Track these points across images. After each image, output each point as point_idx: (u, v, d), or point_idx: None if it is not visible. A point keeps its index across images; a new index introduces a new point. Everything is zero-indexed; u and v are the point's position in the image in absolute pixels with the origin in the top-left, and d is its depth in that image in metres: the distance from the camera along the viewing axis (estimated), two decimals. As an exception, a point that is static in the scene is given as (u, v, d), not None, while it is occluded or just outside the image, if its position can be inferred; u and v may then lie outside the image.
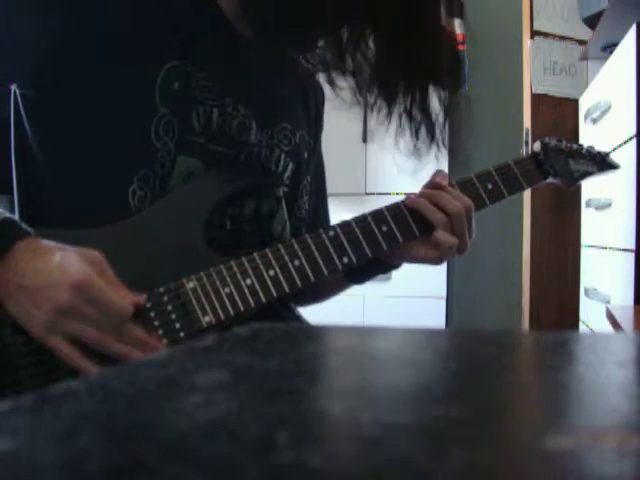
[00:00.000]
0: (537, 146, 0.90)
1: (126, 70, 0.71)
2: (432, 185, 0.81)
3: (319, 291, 0.94)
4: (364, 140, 2.73)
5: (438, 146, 0.80)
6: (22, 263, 0.60)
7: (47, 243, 0.63)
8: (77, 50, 0.69)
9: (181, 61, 0.73)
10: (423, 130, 0.79)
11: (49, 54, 0.69)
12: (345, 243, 0.75)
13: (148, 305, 0.67)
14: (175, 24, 0.75)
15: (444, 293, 2.68)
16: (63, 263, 0.61)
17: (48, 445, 0.18)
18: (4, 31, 0.70)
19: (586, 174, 0.94)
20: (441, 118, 0.80)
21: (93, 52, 0.70)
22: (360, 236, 0.76)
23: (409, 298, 2.54)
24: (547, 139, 0.91)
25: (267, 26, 0.74)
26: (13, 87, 0.71)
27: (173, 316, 0.68)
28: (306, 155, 0.89)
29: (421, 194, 0.81)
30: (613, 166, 0.98)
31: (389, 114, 0.78)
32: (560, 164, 0.90)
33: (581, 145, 0.96)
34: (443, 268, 2.65)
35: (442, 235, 0.78)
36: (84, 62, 0.70)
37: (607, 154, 0.98)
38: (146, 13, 0.73)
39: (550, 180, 0.91)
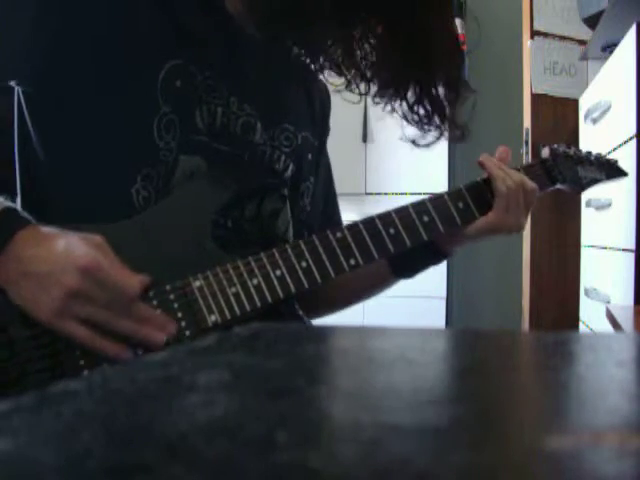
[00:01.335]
0: (546, 152, 0.91)
1: (127, 69, 0.71)
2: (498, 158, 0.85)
3: (356, 291, 0.94)
4: (364, 140, 2.73)
5: (441, 132, 0.81)
6: (25, 251, 0.61)
7: (48, 229, 0.63)
8: (78, 49, 0.69)
9: (183, 60, 0.73)
10: (426, 120, 0.80)
11: (50, 52, 0.69)
12: (352, 245, 0.75)
13: (154, 303, 0.68)
14: (178, 22, 0.74)
15: (444, 293, 2.68)
16: (68, 247, 0.61)
17: (48, 445, 0.18)
18: (4, 29, 0.70)
19: (594, 181, 0.95)
20: (444, 106, 0.81)
21: (94, 51, 0.70)
22: (367, 238, 0.75)
23: (409, 298, 2.54)
24: (556, 145, 0.92)
25: (272, 24, 0.74)
26: (15, 86, 0.71)
27: (179, 314, 0.68)
28: (310, 156, 0.89)
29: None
30: (622, 173, 0.98)
31: (393, 107, 0.78)
32: (568, 171, 0.91)
33: (589, 152, 0.96)
34: (443, 268, 2.65)
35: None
36: (85, 61, 0.70)
37: (615, 161, 0.98)
38: (148, 12, 0.73)
39: (558, 186, 0.91)
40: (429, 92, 0.78)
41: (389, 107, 0.79)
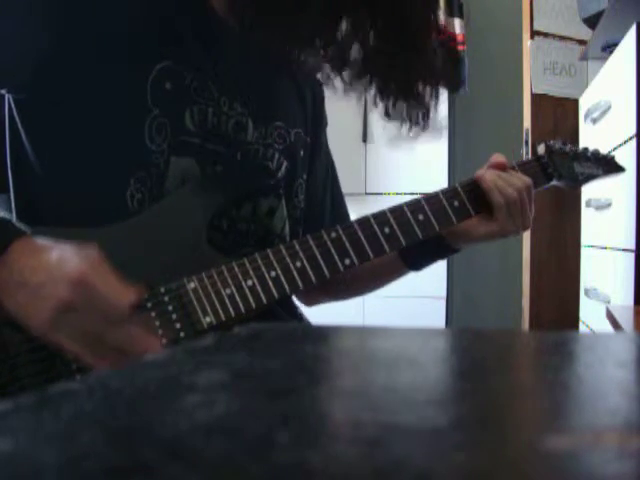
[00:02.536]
0: (541, 149, 0.90)
1: (117, 72, 0.71)
2: (493, 166, 0.85)
3: (367, 278, 0.96)
4: (364, 140, 2.73)
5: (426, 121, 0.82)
6: (19, 261, 0.60)
7: (43, 241, 0.62)
8: (67, 53, 0.69)
9: (173, 61, 0.73)
10: (418, 113, 0.80)
11: (39, 58, 0.69)
12: (347, 244, 0.75)
13: (149, 305, 0.67)
14: (166, 24, 0.74)
15: (444, 293, 2.68)
16: (61, 260, 0.60)
17: (48, 445, 0.18)
18: None
19: (591, 177, 0.94)
20: (436, 102, 0.81)
21: (83, 54, 0.69)
22: (362, 238, 0.75)
23: (409, 298, 2.54)
24: (551, 142, 0.91)
25: (258, 22, 0.73)
26: (5, 93, 0.71)
27: (174, 316, 0.68)
28: (302, 153, 0.89)
29: (486, 176, 0.83)
30: (619, 169, 0.98)
31: (384, 101, 0.78)
32: (564, 167, 0.90)
33: (586, 148, 0.95)
34: (443, 268, 2.65)
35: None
36: (74, 65, 0.69)
37: (613, 157, 0.97)
38: (136, 13, 0.73)
39: (554, 183, 0.90)
40: (412, 88, 0.78)
41: (377, 104, 0.79)
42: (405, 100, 0.79)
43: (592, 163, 0.94)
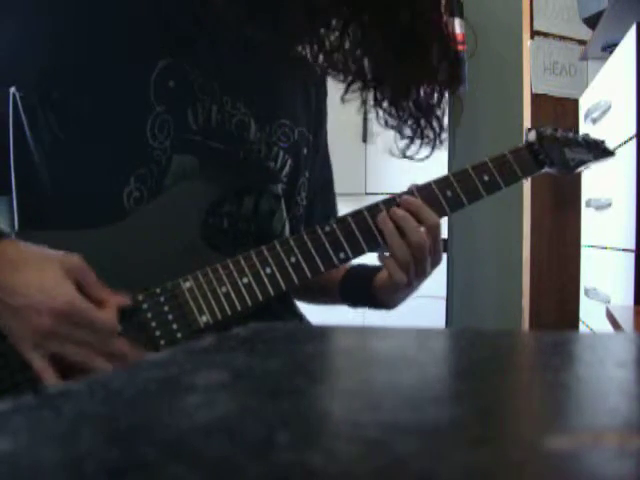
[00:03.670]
0: (532, 136, 0.89)
1: (120, 69, 0.71)
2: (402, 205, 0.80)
3: (313, 293, 0.95)
4: (364, 140, 2.73)
5: (436, 142, 0.81)
6: (1, 275, 0.59)
7: (25, 250, 0.61)
8: (71, 51, 0.69)
9: (176, 59, 0.73)
10: (422, 129, 0.80)
11: (44, 57, 0.69)
12: (341, 238, 0.75)
13: (145, 306, 0.67)
14: (169, 21, 0.74)
15: (444, 293, 2.68)
16: (44, 283, 0.60)
17: (48, 445, 0.18)
18: (3, 35, 0.70)
19: (582, 163, 0.93)
20: (440, 115, 0.80)
21: (88, 52, 0.70)
22: (356, 231, 0.76)
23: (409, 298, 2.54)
24: (542, 128, 0.90)
25: (254, 19, 0.73)
26: (12, 90, 0.71)
27: (170, 317, 0.68)
28: (305, 151, 0.89)
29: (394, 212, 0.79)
30: (609, 153, 0.97)
31: (390, 113, 0.78)
32: (555, 153, 0.89)
33: (577, 133, 0.95)
34: (443, 268, 2.65)
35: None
36: (78, 63, 0.70)
37: (602, 141, 0.97)
38: (139, 11, 0.73)
39: (546, 170, 0.90)
40: (423, 99, 0.78)
41: (383, 120, 0.79)
42: (412, 113, 0.78)
43: (583, 148, 0.94)
